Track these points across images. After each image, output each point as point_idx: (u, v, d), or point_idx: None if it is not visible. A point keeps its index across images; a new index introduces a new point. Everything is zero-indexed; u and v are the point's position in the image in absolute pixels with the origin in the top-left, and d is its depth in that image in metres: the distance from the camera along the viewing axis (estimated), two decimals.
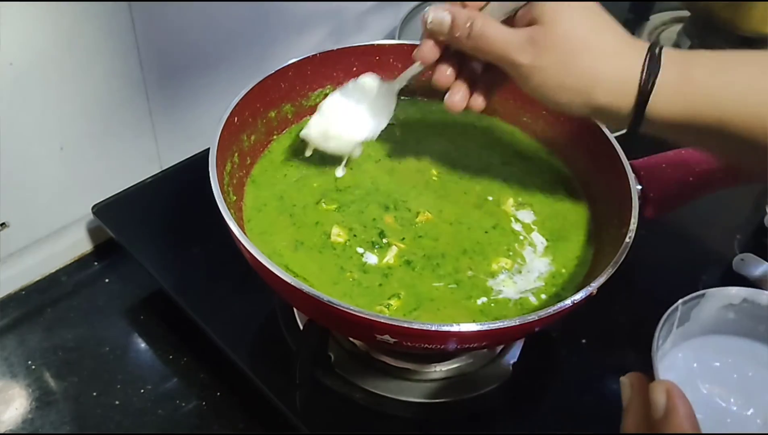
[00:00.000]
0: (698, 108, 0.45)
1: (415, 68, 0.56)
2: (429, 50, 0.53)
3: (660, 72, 0.46)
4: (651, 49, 0.47)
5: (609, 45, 0.48)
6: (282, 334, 0.62)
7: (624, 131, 0.79)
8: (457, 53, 0.53)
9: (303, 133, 0.61)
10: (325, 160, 0.65)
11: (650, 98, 0.46)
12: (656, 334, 0.40)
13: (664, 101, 0.46)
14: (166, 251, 0.68)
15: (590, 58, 0.47)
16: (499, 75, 0.52)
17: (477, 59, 0.53)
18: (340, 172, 0.64)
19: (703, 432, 0.33)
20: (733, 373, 0.44)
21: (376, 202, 0.61)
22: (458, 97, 0.54)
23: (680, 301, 0.42)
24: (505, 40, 0.49)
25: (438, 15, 0.51)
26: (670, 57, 0.46)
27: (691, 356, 0.44)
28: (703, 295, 0.43)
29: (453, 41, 0.52)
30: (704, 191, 0.66)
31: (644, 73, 0.46)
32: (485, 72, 0.55)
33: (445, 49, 0.53)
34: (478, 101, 0.55)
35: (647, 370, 0.37)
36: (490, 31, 0.49)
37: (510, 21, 0.51)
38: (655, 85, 0.46)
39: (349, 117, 0.60)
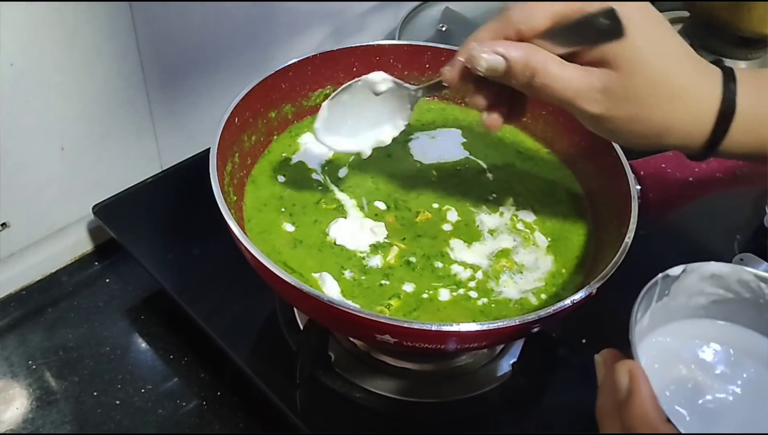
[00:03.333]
0: None
1: (438, 82, 0.51)
2: (457, 74, 0.47)
3: (736, 110, 0.43)
4: (725, 83, 0.44)
5: (684, 87, 0.44)
6: (282, 334, 0.62)
7: None
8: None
9: (315, 126, 0.56)
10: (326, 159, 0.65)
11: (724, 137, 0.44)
12: (634, 309, 0.38)
13: (737, 138, 0.44)
14: (166, 251, 0.68)
15: (666, 109, 0.43)
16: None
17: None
18: (342, 172, 0.64)
19: (675, 414, 0.32)
20: (716, 356, 0.42)
21: (377, 201, 0.61)
22: (495, 117, 0.49)
23: (660, 274, 0.41)
24: (574, 89, 0.43)
25: (491, 60, 0.43)
26: (744, 88, 0.43)
27: (672, 337, 0.43)
28: (684, 269, 0.42)
29: (509, 83, 0.45)
30: (704, 191, 0.66)
31: (719, 118, 0.44)
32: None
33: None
34: (517, 115, 0.50)
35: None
36: (555, 77, 0.43)
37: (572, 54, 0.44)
38: (730, 126, 0.44)
39: (360, 115, 0.56)
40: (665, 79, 0.43)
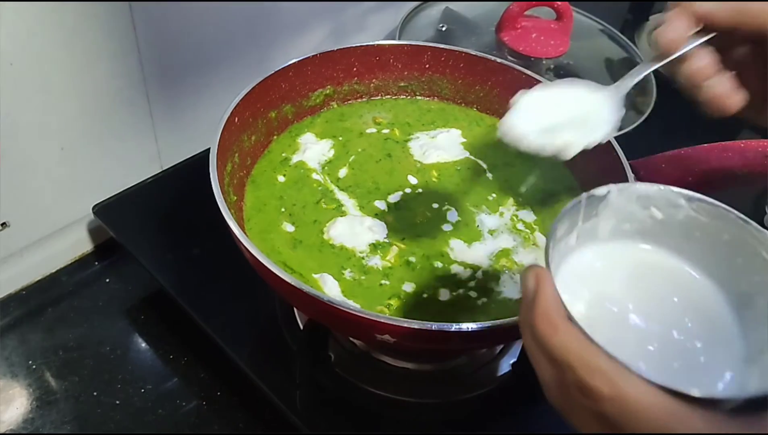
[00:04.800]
0: None
1: (653, 63, 0.44)
2: (681, 32, 0.41)
3: None
4: None
5: None
6: (282, 334, 0.62)
7: (624, 131, 0.80)
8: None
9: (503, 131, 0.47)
10: (326, 161, 0.65)
11: None
12: (554, 225, 0.38)
13: None
14: (166, 251, 0.68)
15: None
16: None
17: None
18: (342, 172, 0.64)
19: (588, 327, 0.32)
20: (641, 281, 0.40)
21: (377, 201, 0.61)
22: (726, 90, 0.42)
23: (585, 194, 0.40)
24: None
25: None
26: None
27: (597, 258, 0.41)
28: (609, 190, 0.40)
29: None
30: (704, 191, 0.66)
31: None
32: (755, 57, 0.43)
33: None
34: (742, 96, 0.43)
35: None
36: None
37: None
38: None
39: (568, 113, 0.47)
40: None
